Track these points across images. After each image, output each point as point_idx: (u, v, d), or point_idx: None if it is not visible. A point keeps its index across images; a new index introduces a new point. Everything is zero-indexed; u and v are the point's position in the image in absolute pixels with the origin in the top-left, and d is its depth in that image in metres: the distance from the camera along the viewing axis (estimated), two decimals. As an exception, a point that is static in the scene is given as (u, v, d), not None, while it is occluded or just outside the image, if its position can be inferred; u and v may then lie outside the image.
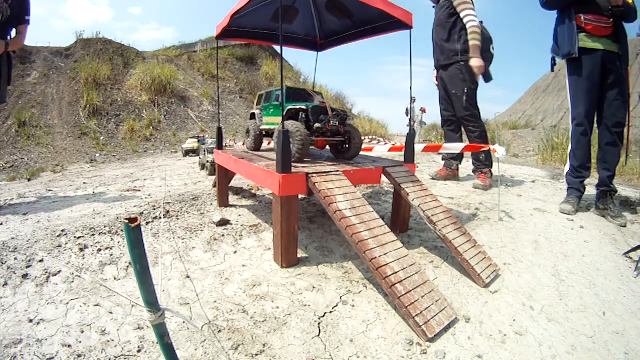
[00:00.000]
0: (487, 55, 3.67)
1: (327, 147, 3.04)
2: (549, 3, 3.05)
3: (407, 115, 13.63)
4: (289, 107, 2.71)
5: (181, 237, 2.46)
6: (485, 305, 1.80)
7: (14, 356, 1.36)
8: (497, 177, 3.89)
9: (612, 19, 2.80)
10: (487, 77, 3.65)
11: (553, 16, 3.12)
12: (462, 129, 4.11)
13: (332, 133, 2.64)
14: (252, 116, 3.45)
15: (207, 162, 4.88)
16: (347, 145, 2.80)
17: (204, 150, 5.43)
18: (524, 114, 24.24)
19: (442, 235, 2.11)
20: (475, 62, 3.48)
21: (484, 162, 3.84)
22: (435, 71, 4.04)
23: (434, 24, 3.83)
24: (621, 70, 2.87)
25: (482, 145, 3.27)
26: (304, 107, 2.61)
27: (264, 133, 3.32)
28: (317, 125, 2.53)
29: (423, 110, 13.29)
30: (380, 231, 1.87)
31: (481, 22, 3.67)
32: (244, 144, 5.47)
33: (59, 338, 1.47)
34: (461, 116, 3.79)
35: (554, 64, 3.25)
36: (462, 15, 3.53)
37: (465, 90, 3.65)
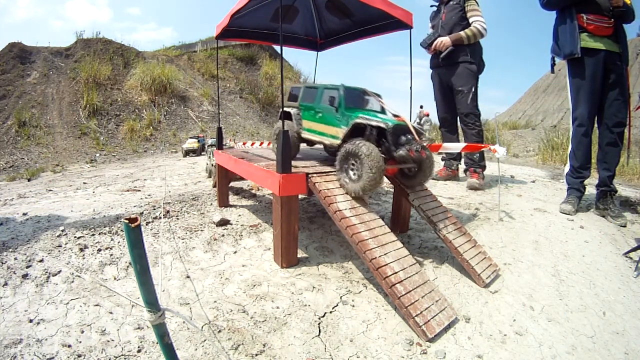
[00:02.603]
0: (481, 64, 3.79)
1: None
2: (549, 3, 3.04)
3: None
4: (359, 121, 2.05)
5: (181, 237, 2.46)
6: (485, 305, 1.80)
7: (14, 356, 1.36)
8: (497, 177, 3.89)
9: (612, 19, 2.80)
10: (438, 55, 3.76)
11: (553, 16, 3.11)
12: (459, 130, 4.12)
13: (407, 158, 2.06)
14: (285, 116, 2.64)
15: (213, 166, 4.19)
16: (416, 169, 2.25)
17: (210, 154, 4.65)
18: (524, 114, 24.24)
19: (442, 235, 2.11)
20: (444, 39, 3.62)
21: (477, 162, 3.86)
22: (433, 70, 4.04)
23: (439, 23, 3.83)
24: (622, 70, 2.87)
25: (482, 145, 3.27)
26: (382, 125, 1.97)
27: (302, 139, 2.61)
28: (400, 153, 1.95)
29: (426, 114, 13.31)
30: (380, 231, 1.87)
31: None
32: (244, 144, 5.45)
33: (59, 338, 1.47)
34: (464, 112, 3.80)
35: (553, 64, 3.24)
36: (471, 20, 3.64)
37: (473, 89, 3.69)
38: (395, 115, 2.22)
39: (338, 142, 2.19)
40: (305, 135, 2.54)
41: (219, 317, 1.63)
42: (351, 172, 1.99)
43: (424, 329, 1.52)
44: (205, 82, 13.14)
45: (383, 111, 2.39)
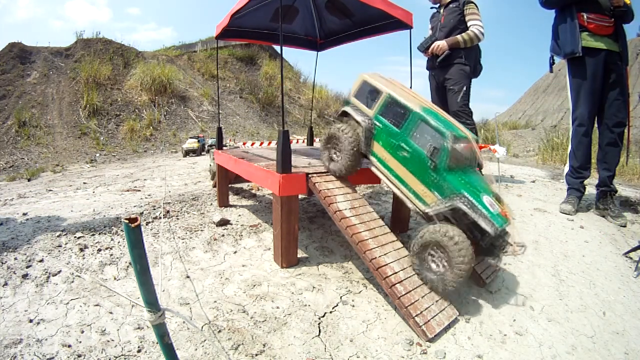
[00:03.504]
0: (478, 67, 3.84)
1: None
2: (548, 2, 3.02)
3: None
4: (461, 207, 1.59)
5: (181, 237, 2.46)
6: (485, 305, 1.80)
7: (14, 356, 1.36)
8: (497, 177, 3.88)
9: (612, 19, 2.79)
10: (435, 58, 3.76)
11: (553, 15, 3.10)
12: None
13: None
14: (344, 114, 2.10)
15: None
16: None
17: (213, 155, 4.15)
18: (524, 114, 24.25)
19: (442, 235, 2.11)
20: (441, 43, 3.63)
21: None
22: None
23: (437, 25, 3.87)
24: (622, 70, 2.86)
25: (482, 145, 3.27)
26: (490, 229, 1.54)
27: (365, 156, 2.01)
28: (492, 261, 1.71)
29: None
30: (380, 231, 1.87)
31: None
32: (244, 144, 5.45)
33: (59, 338, 1.47)
34: (453, 110, 3.84)
35: (552, 63, 3.21)
36: (469, 23, 3.65)
37: (464, 88, 3.73)
38: (496, 198, 1.70)
39: (423, 209, 1.71)
40: (375, 166, 1.92)
41: (219, 317, 1.63)
42: (432, 264, 1.63)
43: (424, 329, 1.52)
44: (205, 82, 13.13)
45: (475, 163, 1.85)
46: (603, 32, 2.80)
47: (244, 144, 5.43)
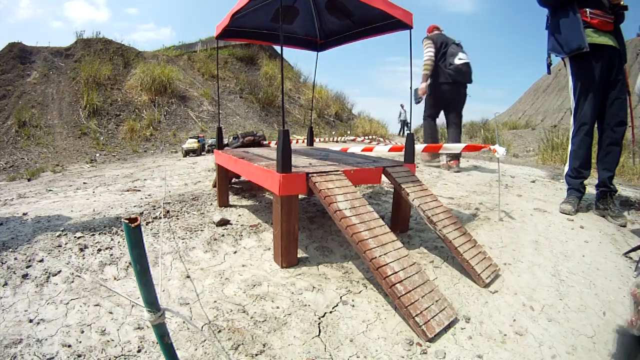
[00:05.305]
0: (455, 67, 4.62)
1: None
2: (546, 0, 2.99)
3: (401, 119, 15.36)
4: None
5: (181, 237, 2.46)
6: (485, 305, 1.80)
7: (14, 356, 1.36)
8: (497, 177, 3.88)
9: (613, 15, 2.78)
10: (417, 99, 4.98)
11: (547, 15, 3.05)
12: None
13: None
14: None
15: None
16: None
17: None
18: (524, 114, 24.27)
19: (442, 235, 2.11)
20: (420, 87, 4.91)
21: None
22: None
23: None
24: (623, 67, 2.84)
25: (482, 145, 3.28)
26: None
27: None
28: None
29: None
30: (380, 231, 1.87)
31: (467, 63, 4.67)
32: None
33: (59, 338, 1.47)
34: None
35: (549, 64, 3.15)
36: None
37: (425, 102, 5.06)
38: None
39: None
40: None
41: (219, 317, 1.63)
42: None
43: (424, 329, 1.52)
44: (205, 82, 13.12)
45: None
46: (606, 27, 2.76)
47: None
